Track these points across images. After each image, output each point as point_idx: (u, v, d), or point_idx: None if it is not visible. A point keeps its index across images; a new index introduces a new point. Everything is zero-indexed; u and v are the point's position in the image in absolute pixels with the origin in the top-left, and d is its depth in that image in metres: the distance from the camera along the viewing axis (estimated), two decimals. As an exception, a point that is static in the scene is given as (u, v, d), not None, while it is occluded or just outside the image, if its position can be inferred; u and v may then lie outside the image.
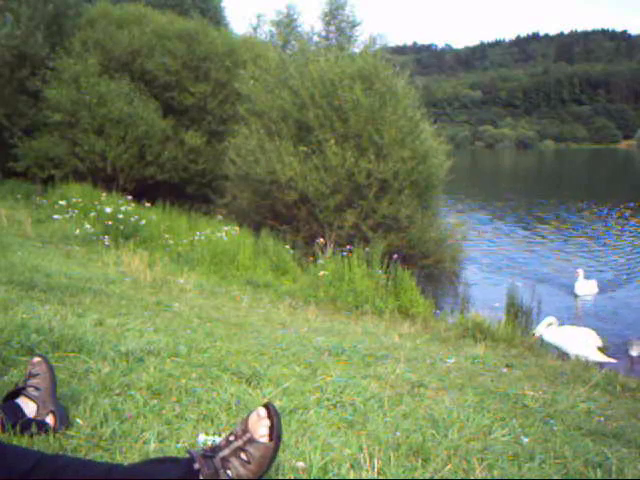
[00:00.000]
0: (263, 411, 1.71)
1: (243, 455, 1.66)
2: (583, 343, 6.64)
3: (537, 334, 6.82)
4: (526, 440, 2.52)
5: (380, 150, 9.69)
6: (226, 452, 1.67)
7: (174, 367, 2.79)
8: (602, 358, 6.48)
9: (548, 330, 6.79)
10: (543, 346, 6.62)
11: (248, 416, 1.73)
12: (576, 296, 10.26)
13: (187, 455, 1.70)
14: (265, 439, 1.68)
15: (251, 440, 1.67)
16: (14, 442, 1.83)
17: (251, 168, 10.32)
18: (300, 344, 4.01)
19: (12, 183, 14.01)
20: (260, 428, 1.69)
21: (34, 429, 1.90)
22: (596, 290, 10.42)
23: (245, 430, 1.70)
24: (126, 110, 13.36)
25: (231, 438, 1.70)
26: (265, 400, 2.48)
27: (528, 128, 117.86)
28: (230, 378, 2.76)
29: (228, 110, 14.27)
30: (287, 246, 9.34)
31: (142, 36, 14.67)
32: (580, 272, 10.34)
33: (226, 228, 9.95)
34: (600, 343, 6.77)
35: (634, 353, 6.76)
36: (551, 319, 7.04)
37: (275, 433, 1.68)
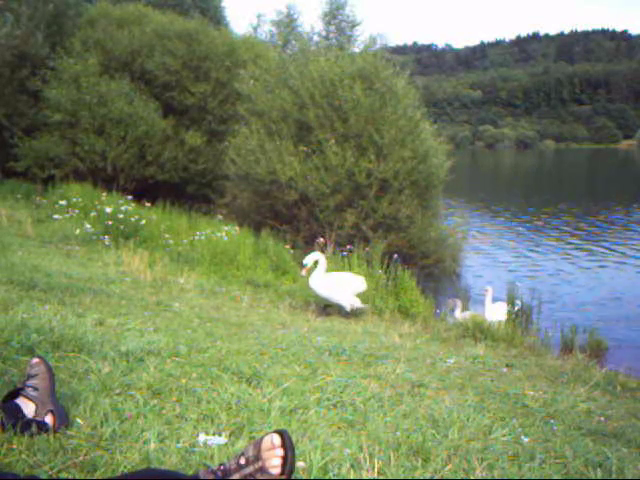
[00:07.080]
0: (277, 439, 1.66)
1: None
2: (342, 290, 6.65)
3: (307, 265, 6.74)
4: (526, 440, 2.52)
5: (380, 150, 9.68)
6: (236, 477, 1.65)
7: (174, 367, 2.79)
8: (358, 303, 6.68)
9: (314, 279, 6.63)
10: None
11: (261, 440, 1.69)
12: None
13: (190, 463, 1.67)
14: (277, 470, 1.65)
15: (262, 470, 1.64)
16: (14, 442, 1.83)
17: (251, 168, 10.31)
18: (300, 344, 4.01)
19: (12, 183, 13.99)
20: (273, 458, 1.65)
21: (34, 429, 1.90)
22: None
23: (257, 457, 1.66)
24: (126, 110, 13.35)
25: (242, 462, 1.67)
26: (266, 400, 2.48)
27: (528, 128, 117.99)
28: (230, 378, 2.76)
29: (228, 110, 14.26)
30: (287, 246, 9.34)
31: (142, 36, 14.66)
32: (489, 291, 7.47)
33: (226, 228, 9.94)
34: (364, 288, 6.81)
35: (457, 315, 6.57)
36: (317, 256, 6.82)
37: (287, 467, 1.65)
